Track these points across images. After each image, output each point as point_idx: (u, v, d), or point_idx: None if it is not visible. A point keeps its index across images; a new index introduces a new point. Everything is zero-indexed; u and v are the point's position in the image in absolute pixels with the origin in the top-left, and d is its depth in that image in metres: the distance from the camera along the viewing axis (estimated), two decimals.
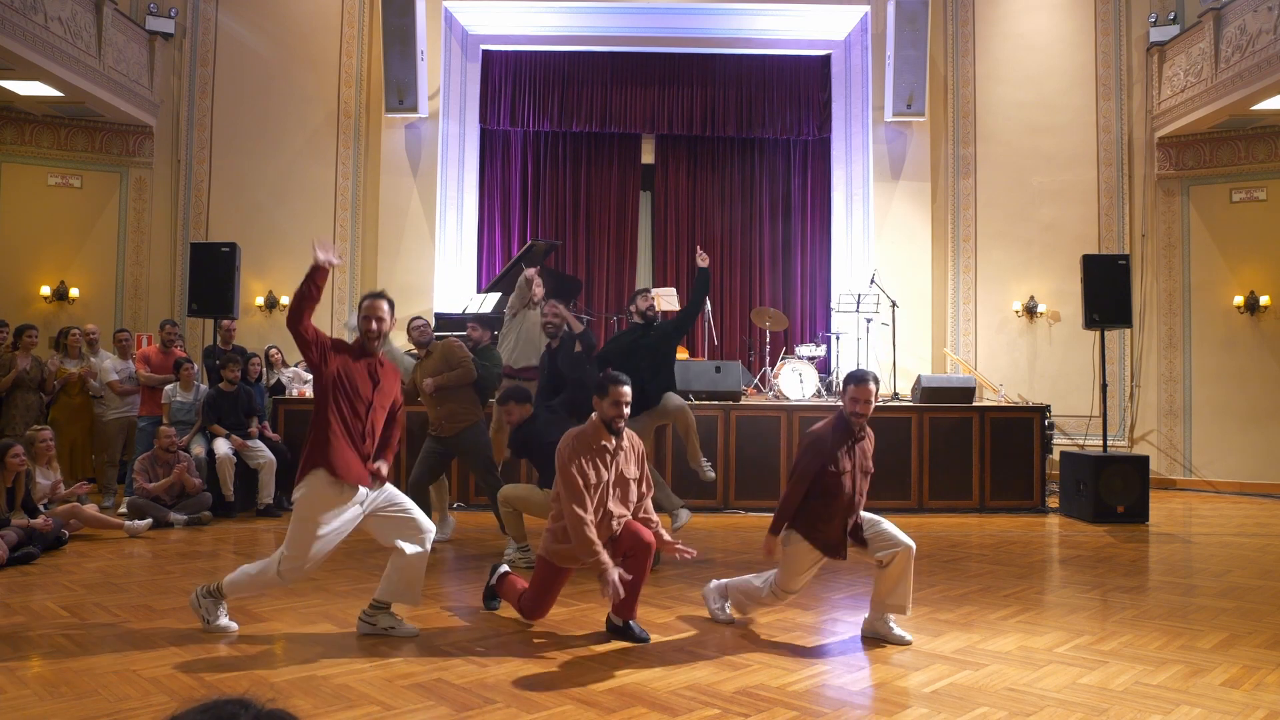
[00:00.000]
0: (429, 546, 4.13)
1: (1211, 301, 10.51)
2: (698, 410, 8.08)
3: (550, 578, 4.18)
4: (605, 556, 3.94)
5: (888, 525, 4.18)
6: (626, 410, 4.14)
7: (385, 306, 4.12)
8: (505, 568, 4.63)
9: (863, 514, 4.21)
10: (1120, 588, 5.31)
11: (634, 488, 4.21)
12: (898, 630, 4.11)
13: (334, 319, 11.00)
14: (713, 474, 6.18)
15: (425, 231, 11.06)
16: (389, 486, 4.16)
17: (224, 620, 4.10)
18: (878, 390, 4.18)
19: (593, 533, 3.97)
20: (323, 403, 4.00)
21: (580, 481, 4.03)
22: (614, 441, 4.14)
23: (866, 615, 4.22)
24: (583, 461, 4.06)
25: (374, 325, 4.08)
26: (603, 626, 4.20)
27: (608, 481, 4.10)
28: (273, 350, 9.40)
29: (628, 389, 4.13)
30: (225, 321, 9.00)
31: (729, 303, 11.96)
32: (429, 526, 4.15)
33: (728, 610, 4.45)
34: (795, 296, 12.00)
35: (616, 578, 3.86)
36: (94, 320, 9.63)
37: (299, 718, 1.14)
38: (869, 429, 4.25)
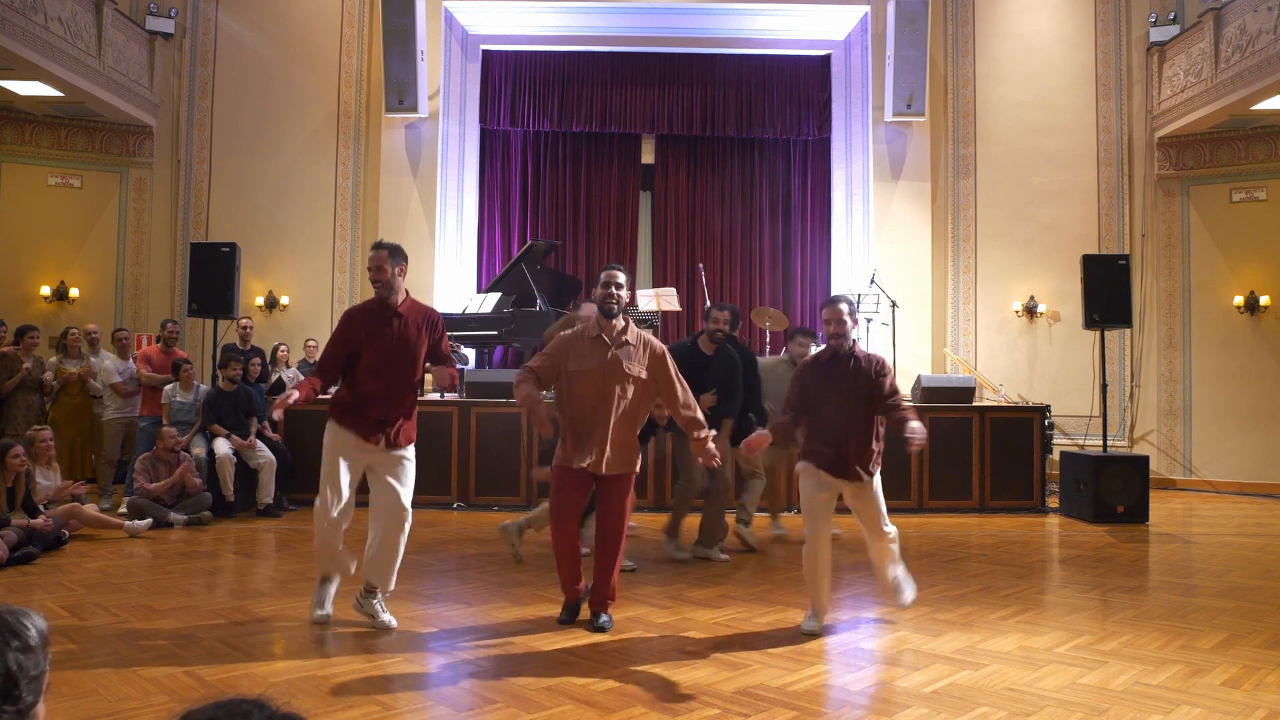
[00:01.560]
0: (398, 526, 4.15)
1: (1211, 301, 10.51)
2: None
3: (561, 477, 4.21)
4: (536, 394, 4.04)
5: (877, 512, 4.24)
6: (616, 291, 4.13)
7: (386, 255, 4.16)
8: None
9: (878, 497, 4.24)
10: (1120, 588, 5.31)
11: (632, 386, 4.12)
12: (906, 594, 4.42)
13: (333, 319, 10.96)
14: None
15: (425, 231, 11.05)
16: (405, 455, 4.21)
17: (385, 616, 4.18)
18: (850, 310, 4.24)
19: (529, 384, 4.07)
20: (335, 363, 4.22)
21: (550, 358, 4.13)
22: (611, 330, 4.13)
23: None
24: (567, 341, 4.15)
25: (377, 277, 4.17)
26: (602, 626, 4.20)
27: (594, 370, 4.07)
28: (281, 349, 9.41)
29: (619, 273, 4.16)
30: (243, 320, 9.02)
31: (729, 302, 11.94)
32: (398, 511, 4.14)
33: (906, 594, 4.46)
34: (795, 296, 12.00)
35: (544, 414, 4.00)
36: (94, 320, 9.62)
37: None
38: (870, 357, 4.26)
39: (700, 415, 4.24)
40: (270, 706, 1.10)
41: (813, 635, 4.16)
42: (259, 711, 1.09)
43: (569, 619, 4.28)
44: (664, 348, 4.23)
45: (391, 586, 4.24)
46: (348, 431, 4.15)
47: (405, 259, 4.27)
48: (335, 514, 4.16)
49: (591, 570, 4.30)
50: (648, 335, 4.23)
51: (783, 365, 6.71)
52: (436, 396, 8.54)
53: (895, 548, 4.39)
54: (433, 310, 4.42)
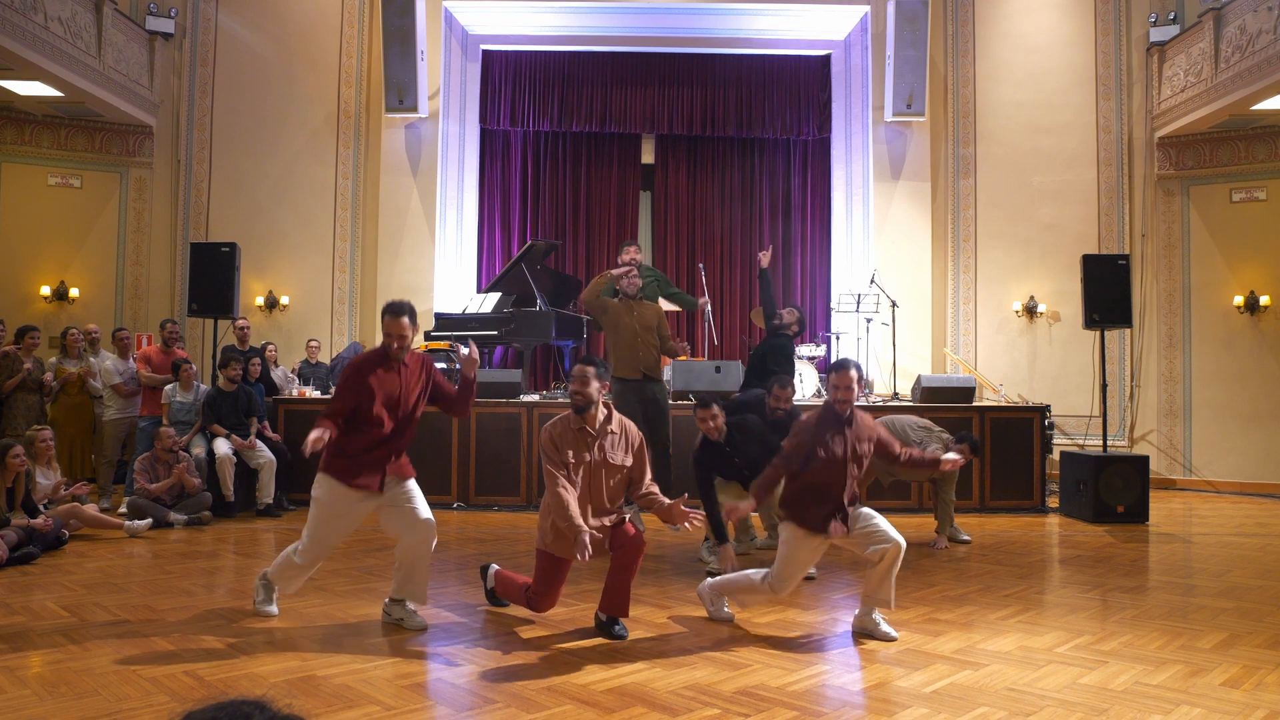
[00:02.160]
0: (425, 542, 4.19)
1: (1211, 301, 10.51)
2: None
3: (551, 569, 4.18)
4: (580, 522, 3.96)
5: (881, 522, 4.20)
6: (586, 388, 4.10)
7: (407, 324, 4.17)
8: (494, 566, 4.67)
9: (861, 509, 4.24)
10: (1120, 588, 5.31)
11: (622, 476, 4.19)
12: (884, 626, 4.17)
13: (333, 319, 11.00)
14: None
15: (425, 231, 11.06)
16: (409, 482, 4.26)
17: (418, 618, 4.26)
18: (859, 377, 4.30)
19: (573, 507, 3.99)
20: (346, 411, 4.13)
21: (556, 458, 4.09)
22: (590, 424, 4.13)
23: (857, 612, 4.27)
24: (559, 443, 4.12)
25: (394, 345, 4.18)
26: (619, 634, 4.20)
27: (590, 464, 4.10)
28: (269, 348, 9.41)
29: (590, 368, 4.12)
30: (240, 321, 9.02)
31: (729, 303, 11.96)
32: (423, 523, 4.17)
33: (726, 609, 4.47)
34: (795, 296, 11.98)
35: (587, 539, 3.87)
36: (94, 320, 9.63)
37: None
38: (867, 418, 4.30)
39: (655, 490, 4.26)
40: (271, 708, 1.10)
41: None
42: (260, 713, 1.09)
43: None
44: (640, 436, 4.27)
45: (426, 602, 4.36)
46: (346, 486, 4.12)
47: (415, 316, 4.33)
48: (319, 563, 4.30)
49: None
50: (626, 421, 4.24)
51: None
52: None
53: (900, 559, 4.24)
54: (426, 356, 4.49)
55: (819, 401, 8.78)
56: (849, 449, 4.19)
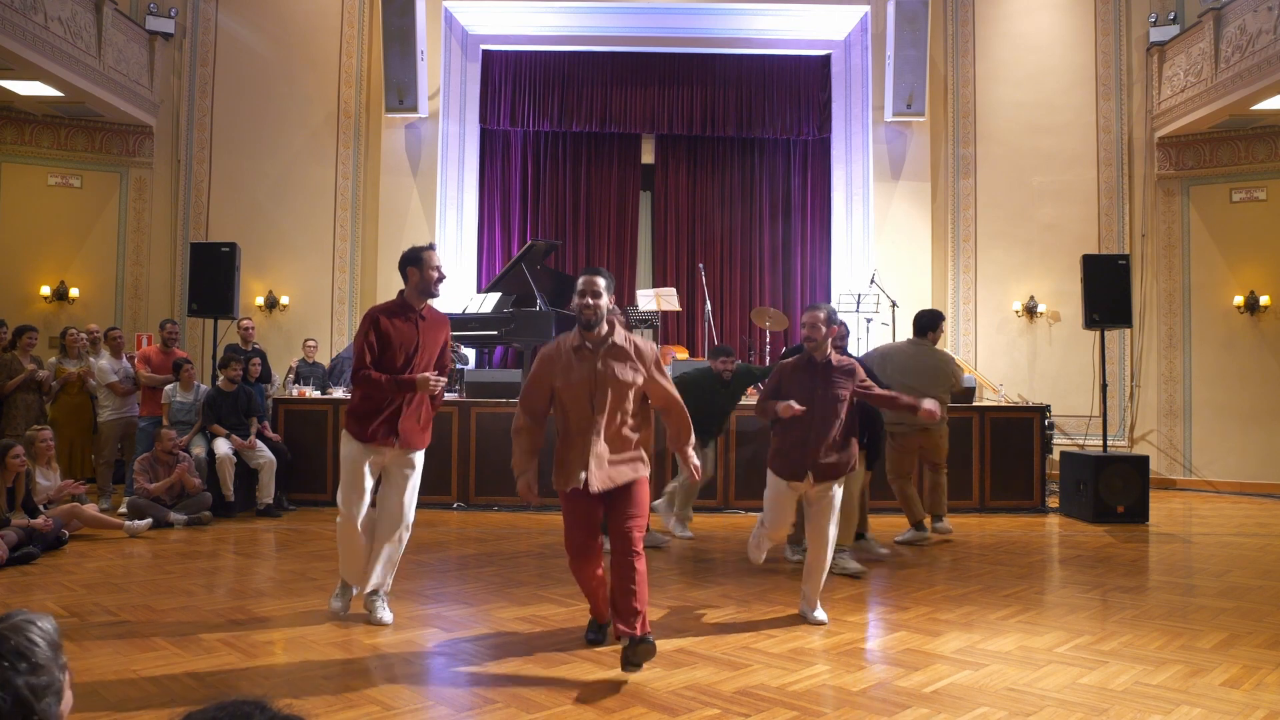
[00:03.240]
0: (394, 545, 4.30)
1: (1211, 301, 10.51)
2: None
3: (567, 509, 3.80)
4: (524, 464, 3.86)
5: (827, 518, 4.35)
6: (593, 300, 3.68)
7: (438, 257, 4.33)
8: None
9: (834, 490, 4.37)
10: (1120, 588, 5.31)
11: (635, 394, 3.74)
12: (816, 613, 4.41)
13: (333, 319, 11.00)
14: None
15: (425, 231, 11.05)
16: (415, 460, 4.29)
17: (381, 614, 4.31)
18: (826, 317, 4.36)
19: (522, 440, 3.86)
20: (360, 368, 4.19)
21: (530, 390, 3.84)
22: (595, 337, 3.71)
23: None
24: (548, 366, 3.76)
25: (441, 272, 4.29)
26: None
27: (593, 380, 3.66)
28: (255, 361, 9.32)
29: (599, 279, 3.72)
30: (244, 320, 9.01)
31: (729, 303, 11.96)
32: (397, 522, 4.27)
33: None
34: (795, 296, 11.99)
35: (524, 486, 3.85)
36: (94, 320, 9.64)
37: None
38: (848, 361, 4.47)
39: (684, 441, 3.96)
40: (271, 708, 1.10)
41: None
42: (260, 713, 1.09)
43: (597, 638, 3.99)
44: (655, 349, 3.87)
45: (388, 586, 4.41)
46: (364, 442, 4.22)
47: None
48: (357, 533, 4.30)
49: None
50: (635, 337, 3.86)
51: (708, 378, 6.64)
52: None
53: (829, 558, 4.45)
54: (444, 315, 4.50)
55: None
56: (821, 394, 4.32)
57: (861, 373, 4.48)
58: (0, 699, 1.19)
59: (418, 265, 4.28)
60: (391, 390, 4.15)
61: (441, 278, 4.31)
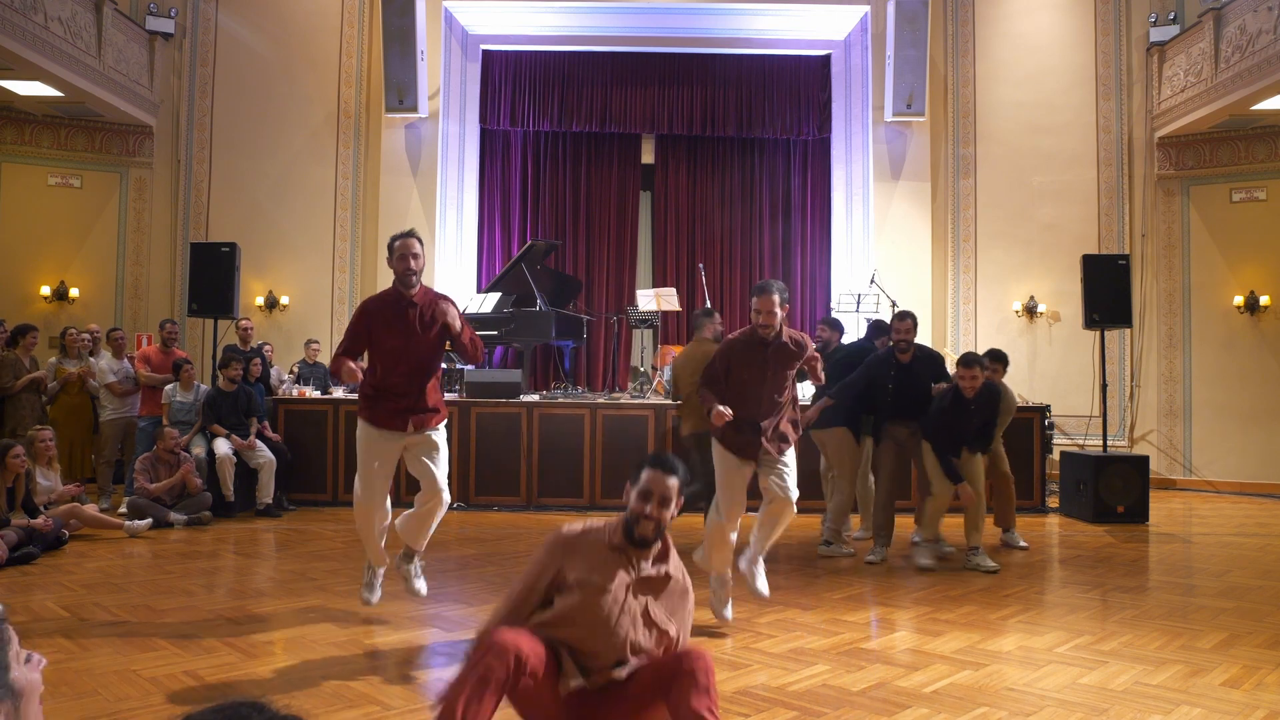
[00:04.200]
0: (436, 507, 4.25)
1: (1211, 301, 10.51)
2: None
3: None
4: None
5: (788, 474, 4.29)
6: (662, 511, 2.67)
7: (417, 244, 4.20)
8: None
9: (785, 455, 4.31)
10: (1120, 588, 5.31)
11: (657, 635, 2.64)
12: (759, 582, 4.41)
13: (334, 319, 10.99)
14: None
15: (425, 231, 11.03)
16: (436, 437, 4.25)
17: (417, 583, 4.44)
18: (781, 299, 4.23)
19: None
20: (356, 352, 4.22)
21: (539, 577, 2.69)
22: (640, 556, 2.69)
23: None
24: (579, 558, 2.67)
25: (411, 264, 4.16)
26: None
27: (616, 599, 2.60)
28: (266, 347, 9.40)
29: (673, 480, 2.68)
30: (243, 320, 9.02)
31: (729, 302, 11.95)
32: (435, 493, 4.21)
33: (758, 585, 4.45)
34: (795, 296, 11.99)
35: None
36: (94, 320, 9.64)
37: None
38: (801, 341, 4.35)
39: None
40: (270, 709, 1.10)
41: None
42: (259, 714, 1.09)
43: None
44: (689, 588, 2.77)
45: (422, 547, 4.43)
46: (377, 426, 4.21)
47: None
48: (374, 512, 4.28)
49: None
50: (682, 567, 2.78)
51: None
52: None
53: (782, 526, 4.38)
54: (443, 295, 4.40)
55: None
56: (769, 375, 4.28)
57: (811, 347, 4.38)
58: None
59: (390, 255, 4.24)
60: (335, 375, 4.23)
61: (409, 269, 4.15)
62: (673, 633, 2.66)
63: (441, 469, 4.26)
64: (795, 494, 4.31)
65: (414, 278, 4.19)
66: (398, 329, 4.16)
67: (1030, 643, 4.07)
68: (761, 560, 4.46)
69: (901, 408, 6.09)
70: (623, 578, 2.63)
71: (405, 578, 4.43)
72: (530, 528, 7.26)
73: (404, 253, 4.15)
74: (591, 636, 2.56)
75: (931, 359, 6.37)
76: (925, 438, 5.96)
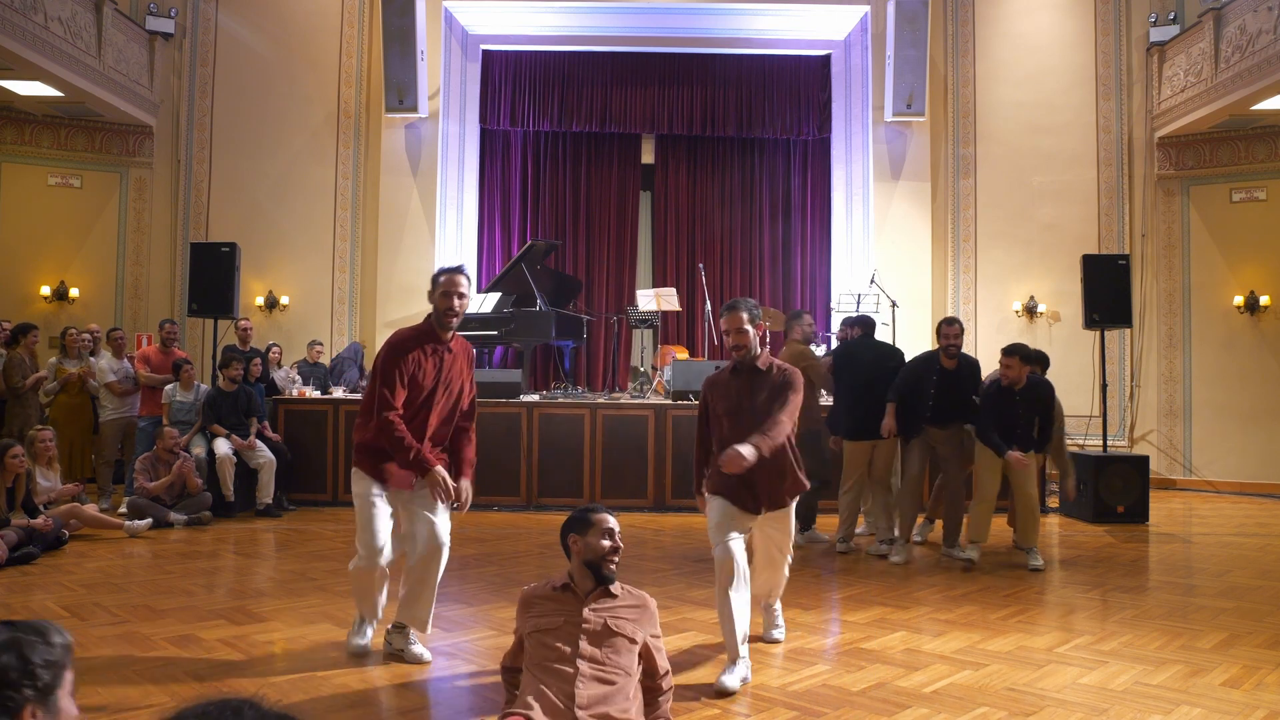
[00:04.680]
0: (433, 562, 3.74)
1: (1211, 301, 10.51)
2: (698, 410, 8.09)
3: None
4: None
5: (771, 545, 3.89)
6: (744, 336, 3.70)
7: (465, 282, 3.74)
8: None
9: (780, 511, 3.77)
10: (1120, 588, 5.31)
11: (624, 658, 2.88)
12: (774, 631, 4.11)
13: (334, 319, 11.00)
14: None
15: (425, 231, 11.05)
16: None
17: (416, 648, 3.79)
18: (750, 317, 3.73)
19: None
20: (371, 397, 3.70)
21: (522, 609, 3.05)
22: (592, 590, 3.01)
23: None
24: (538, 599, 3.04)
25: (455, 304, 3.71)
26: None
27: (578, 629, 2.90)
28: (274, 349, 9.39)
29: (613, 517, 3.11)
30: (242, 321, 9.02)
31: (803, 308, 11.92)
32: (435, 546, 3.74)
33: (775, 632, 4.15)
34: (795, 296, 11.99)
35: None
36: (94, 320, 9.64)
37: None
38: (772, 365, 3.78)
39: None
40: (262, 705, 1.11)
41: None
42: (251, 709, 1.10)
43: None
44: (654, 607, 3.08)
45: (429, 630, 3.85)
46: (378, 481, 3.77)
47: None
48: (376, 570, 3.80)
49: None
50: (640, 595, 3.09)
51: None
52: None
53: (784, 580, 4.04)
54: (469, 345, 4.01)
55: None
56: (744, 404, 3.72)
57: (796, 382, 3.73)
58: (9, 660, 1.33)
59: (433, 289, 3.77)
60: (403, 461, 3.66)
61: (451, 309, 3.71)
62: (639, 637, 2.93)
63: (444, 518, 3.80)
64: (789, 557, 3.93)
65: (454, 319, 3.73)
66: (424, 374, 3.72)
67: (1030, 643, 4.07)
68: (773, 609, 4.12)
69: (941, 411, 6.10)
70: (575, 614, 2.93)
71: (403, 650, 3.77)
72: (530, 528, 7.27)
73: (449, 289, 3.71)
74: (545, 675, 2.81)
75: (973, 368, 6.40)
76: (976, 435, 6.02)
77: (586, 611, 2.92)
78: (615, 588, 3.01)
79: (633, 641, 2.90)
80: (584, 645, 2.84)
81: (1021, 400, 5.95)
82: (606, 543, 3.00)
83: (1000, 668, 3.71)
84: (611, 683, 2.78)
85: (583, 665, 2.79)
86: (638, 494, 8.12)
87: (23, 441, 6.32)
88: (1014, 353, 5.94)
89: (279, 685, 3.40)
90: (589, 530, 3.02)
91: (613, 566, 3.01)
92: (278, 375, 8.98)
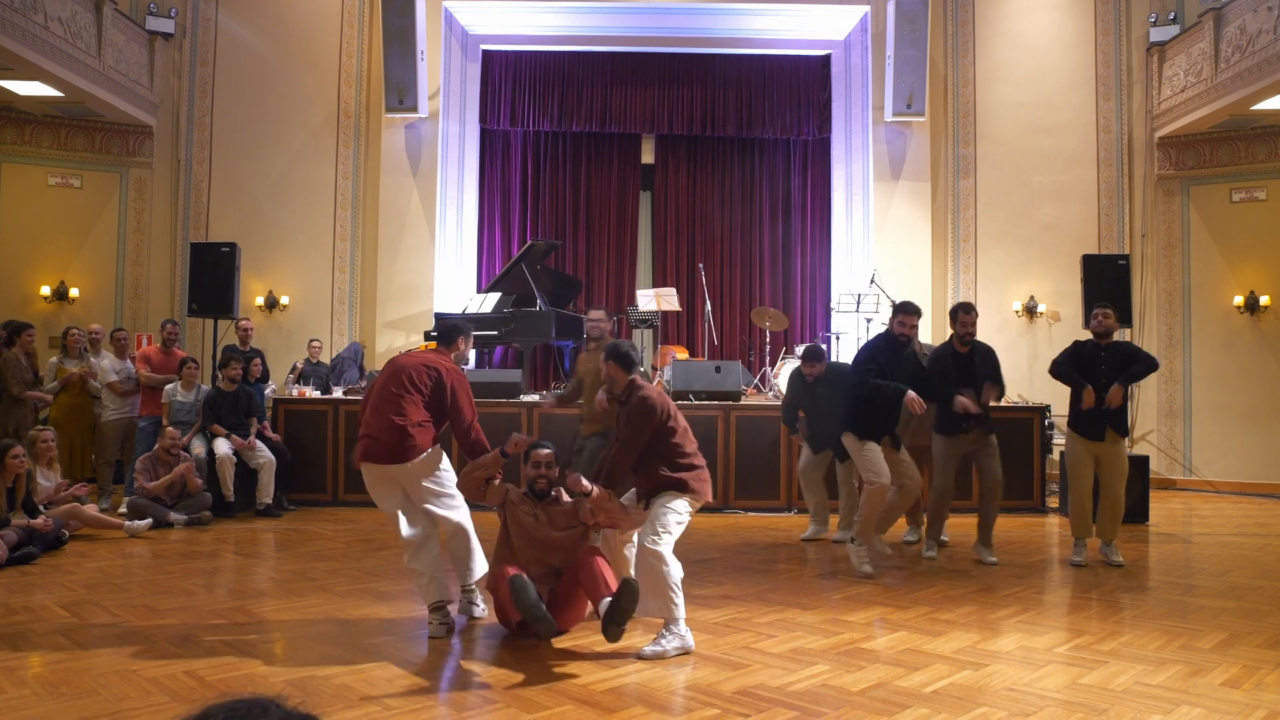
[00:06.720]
0: (449, 542, 4.40)
1: (1211, 301, 10.51)
2: (698, 410, 8.09)
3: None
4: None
5: (651, 521, 4.03)
6: (548, 470, 4.28)
7: (551, 454, 4.35)
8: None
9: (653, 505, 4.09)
10: (1120, 588, 5.31)
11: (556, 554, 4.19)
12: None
13: (333, 319, 11.00)
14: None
15: (425, 231, 11.06)
16: (411, 469, 4.23)
17: (479, 608, 4.52)
18: (623, 365, 4.17)
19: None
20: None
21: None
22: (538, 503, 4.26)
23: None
24: (515, 503, 4.27)
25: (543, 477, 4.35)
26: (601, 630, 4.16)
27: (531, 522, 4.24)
28: (255, 363, 9.22)
29: (546, 451, 4.29)
30: (243, 320, 9.00)
31: (729, 303, 11.96)
32: (435, 532, 4.37)
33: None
34: (795, 296, 11.99)
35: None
36: (94, 320, 9.62)
37: None
38: (645, 391, 4.26)
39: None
40: (285, 705, 1.13)
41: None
42: (275, 709, 1.12)
43: None
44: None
45: (471, 580, 4.43)
46: (365, 465, 4.29)
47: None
48: (408, 536, 4.25)
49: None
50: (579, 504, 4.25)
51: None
52: None
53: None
54: (436, 366, 4.35)
55: None
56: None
57: (651, 416, 4.07)
58: None
59: (464, 336, 4.63)
60: (478, 461, 4.31)
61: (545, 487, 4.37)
62: (573, 504, 4.21)
63: (439, 506, 4.37)
64: (638, 549, 3.99)
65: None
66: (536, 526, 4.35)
67: (1030, 643, 4.07)
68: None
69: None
70: (529, 511, 4.25)
71: (468, 607, 4.47)
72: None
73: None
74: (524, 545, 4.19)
75: (988, 354, 6.36)
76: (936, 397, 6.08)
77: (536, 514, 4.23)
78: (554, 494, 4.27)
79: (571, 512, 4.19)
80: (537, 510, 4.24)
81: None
82: (533, 470, 4.27)
83: (1000, 668, 3.71)
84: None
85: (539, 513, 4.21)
86: None
87: (23, 441, 6.32)
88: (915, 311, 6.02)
89: (279, 685, 3.40)
90: (528, 462, 4.30)
91: (542, 485, 4.27)
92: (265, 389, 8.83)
